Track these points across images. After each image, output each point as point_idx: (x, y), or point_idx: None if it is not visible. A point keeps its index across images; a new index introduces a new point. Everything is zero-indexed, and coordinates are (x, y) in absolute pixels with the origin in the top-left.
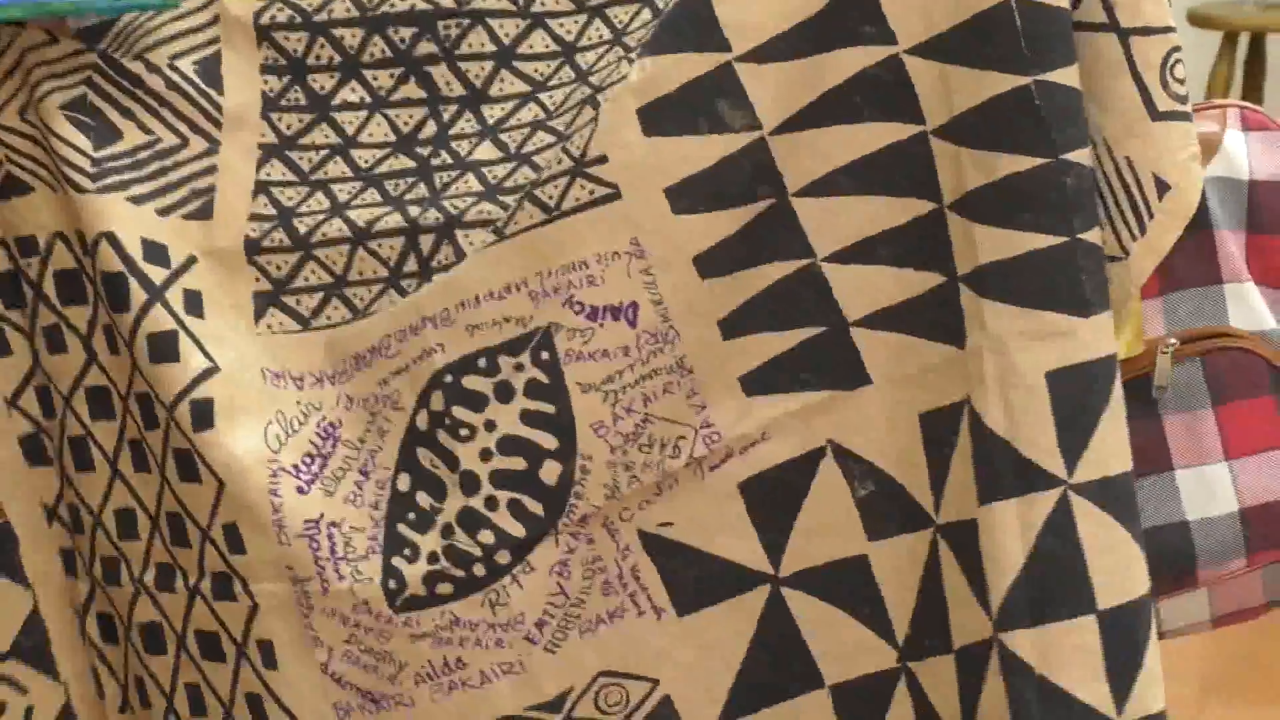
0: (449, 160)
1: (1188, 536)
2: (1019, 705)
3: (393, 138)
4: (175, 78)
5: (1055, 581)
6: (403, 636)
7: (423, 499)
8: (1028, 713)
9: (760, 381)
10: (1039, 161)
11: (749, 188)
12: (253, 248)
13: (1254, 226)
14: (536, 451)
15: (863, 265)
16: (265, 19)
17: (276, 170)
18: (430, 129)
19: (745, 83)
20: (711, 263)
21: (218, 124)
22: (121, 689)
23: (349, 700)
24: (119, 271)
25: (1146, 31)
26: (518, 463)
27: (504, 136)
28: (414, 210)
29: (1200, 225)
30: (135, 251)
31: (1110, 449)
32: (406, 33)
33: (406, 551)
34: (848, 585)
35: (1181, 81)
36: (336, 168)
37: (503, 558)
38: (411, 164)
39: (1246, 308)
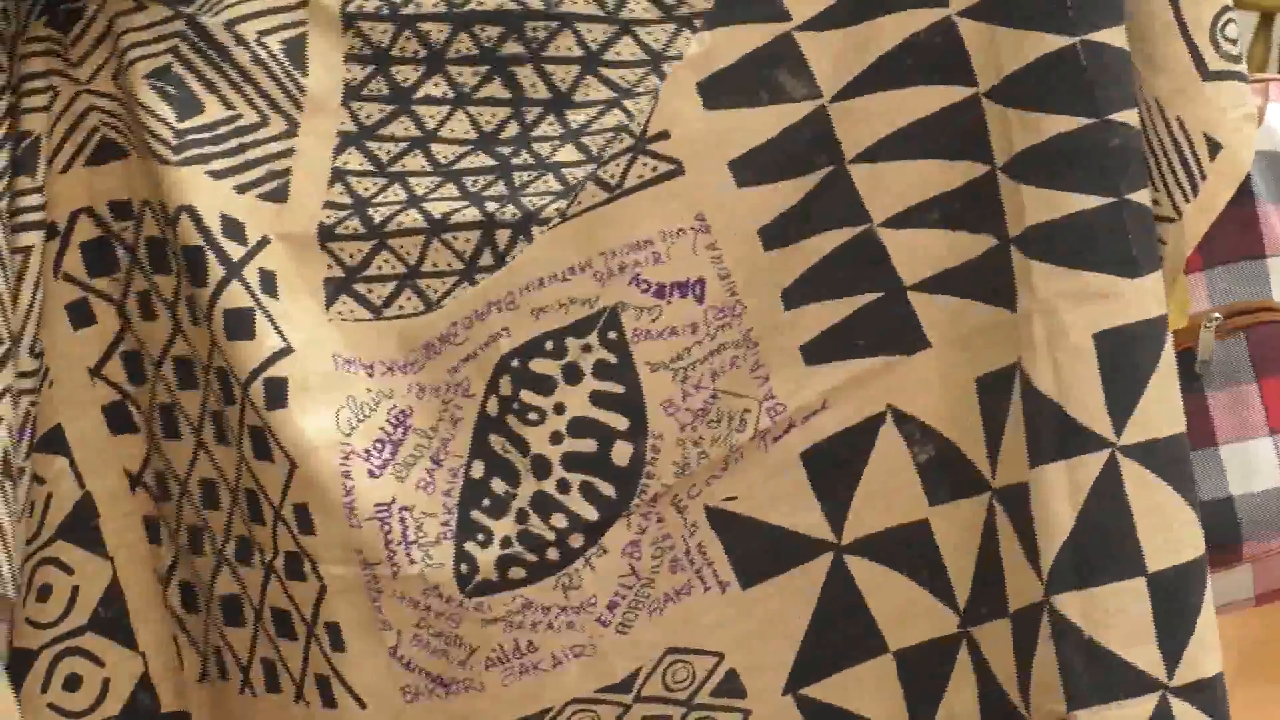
0: (529, 160)
1: (1232, 512)
2: (1067, 668)
3: (474, 135)
4: (261, 54)
5: (1103, 544)
6: (473, 621)
7: (497, 485)
8: (1076, 675)
9: (820, 350)
10: (1084, 122)
11: (809, 157)
12: (326, 234)
13: None
14: (607, 433)
15: (918, 229)
16: (352, 7)
17: (354, 159)
18: (513, 129)
19: (805, 51)
20: (775, 234)
21: (299, 105)
22: (201, 659)
23: (417, 684)
24: (198, 245)
25: None
26: (588, 445)
27: (586, 140)
28: (491, 206)
29: (1243, 198)
30: (214, 226)
31: (1159, 411)
32: (494, 31)
33: (480, 536)
34: (910, 550)
35: (1234, 41)
36: (415, 161)
37: (575, 540)
38: (492, 162)
39: None
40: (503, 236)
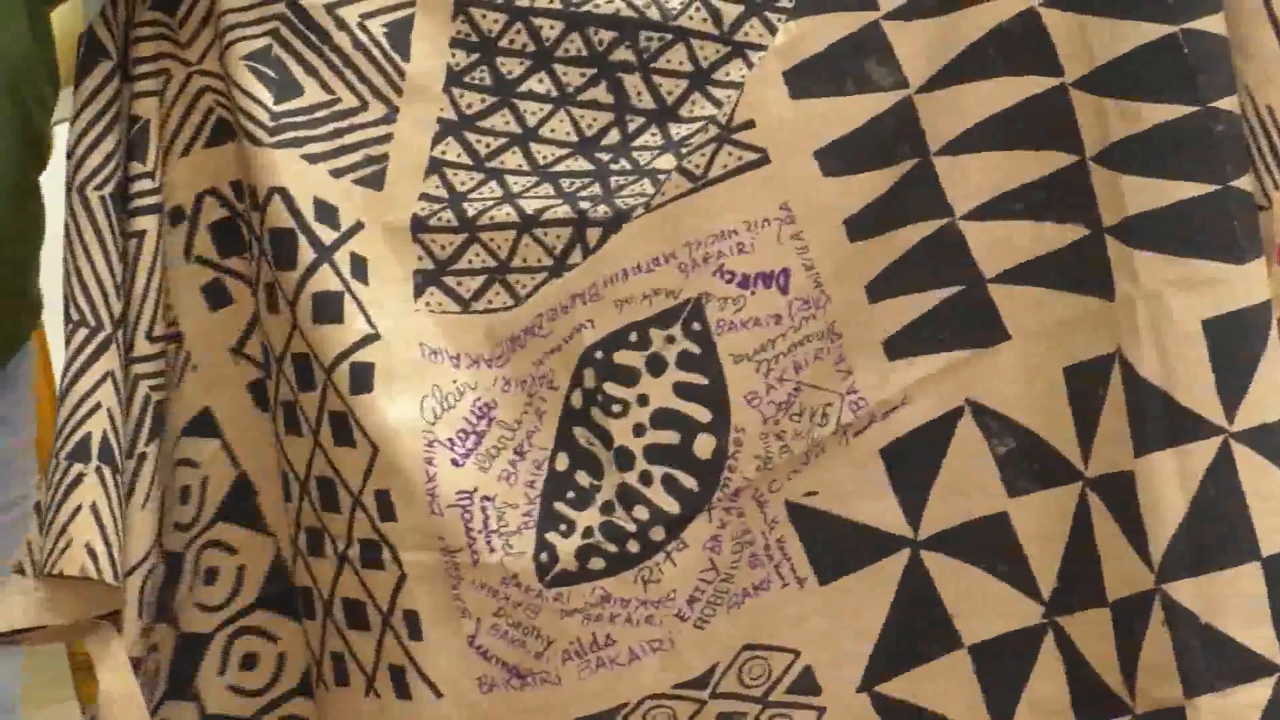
0: (627, 167)
1: None
2: (1184, 653)
3: (574, 138)
4: (363, 38)
5: (1218, 529)
6: (552, 612)
7: (582, 477)
8: (1193, 660)
9: (902, 344)
10: (1188, 110)
11: (895, 147)
12: (419, 225)
13: None
14: (690, 425)
15: (1000, 221)
16: None
17: (452, 150)
18: (613, 137)
19: (893, 40)
20: (861, 225)
21: (399, 90)
22: None
23: (493, 675)
24: (289, 228)
25: None
26: (671, 437)
27: (685, 151)
28: (585, 204)
29: None
30: (307, 209)
31: (1270, 396)
32: (606, 35)
33: (562, 527)
34: (986, 543)
35: None
36: (514, 159)
37: (657, 534)
38: (589, 167)
39: None
40: (594, 235)
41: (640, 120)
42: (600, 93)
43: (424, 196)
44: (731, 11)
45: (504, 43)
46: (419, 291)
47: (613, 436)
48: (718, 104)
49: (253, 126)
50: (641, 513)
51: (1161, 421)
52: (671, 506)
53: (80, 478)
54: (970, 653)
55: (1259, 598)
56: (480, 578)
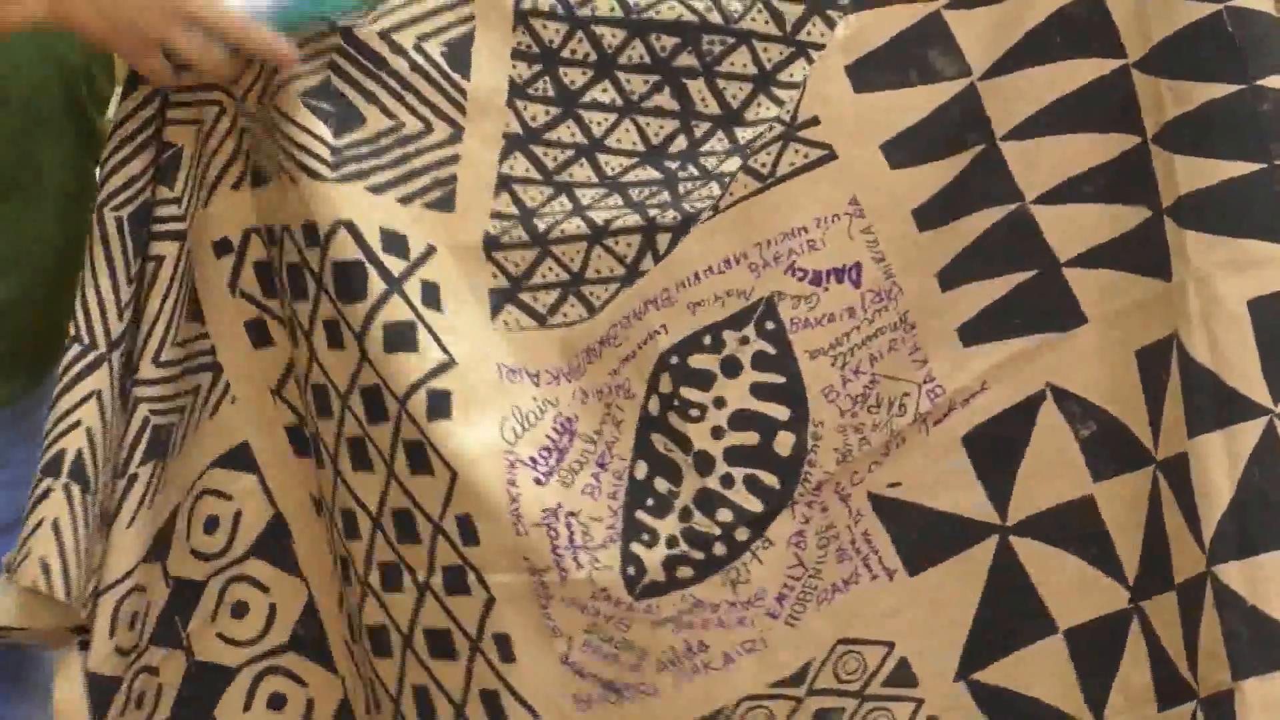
0: (695, 173)
1: None
2: (1232, 637)
3: (641, 148)
4: (420, 60)
5: (1264, 512)
6: (644, 623)
7: (660, 484)
8: (1239, 644)
9: (977, 330)
10: (1233, 88)
11: (960, 136)
12: (492, 244)
13: None
14: (769, 424)
15: (1071, 205)
16: (526, 3)
17: (520, 165)
18: (680, 143)
19: (954, 29)
20: (929, 214)
21: (462, 109)
22: (365, 687)
23: (590, 691)
24: (356, 260)
25: None
26: (750, 437)
27: (751, 151)
28: (653, 211)
29: None
30: (374, 241)
31: None
32: (669, 41)
33: (645, 537)
34: (1075, 528)
35: None
36: (582, 171)
37: (742, 534)
38: (658, 175)
39: None
40: (663, 240)
41: (706, 125)
42: (665, 99)
43: (495, 215)
44: (794, 11)
45: (565, 53)
46: (496, 310)
47: (691, 441)
48: (782, 105)
49: (314, 163)
50: (725, 515)
51: (1210, 403)
52: (754, 505)
53: (48, 493)
54: (1065, 637)
55: None
56: (569, 594)
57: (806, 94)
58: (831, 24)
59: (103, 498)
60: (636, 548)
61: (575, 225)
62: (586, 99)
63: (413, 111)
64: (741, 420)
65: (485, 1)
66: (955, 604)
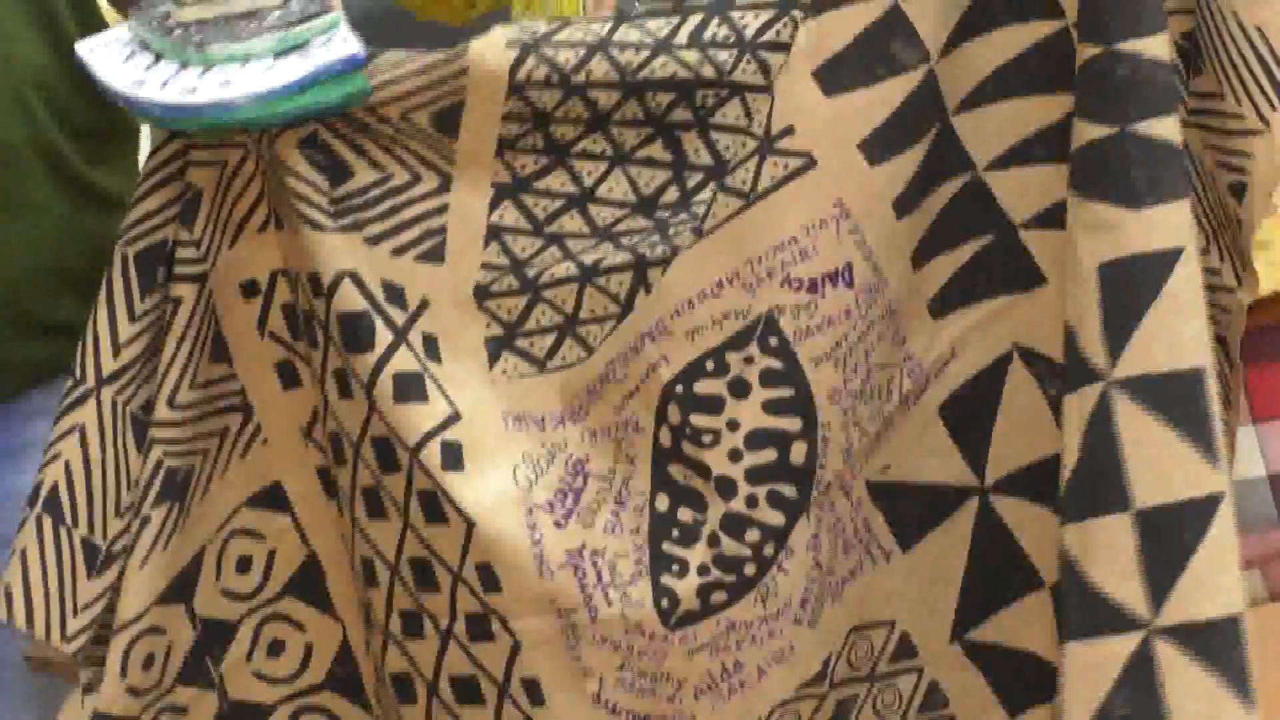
0: (687, 218)
1: None
2: (1064, 600)
3: (633, 198)
4: (406, 126)
5: (1094, 477)
6: (679, 653)
7: (684, 514)
8: (1070, 608)
9: (944, 301)
10: (1095, 50)
11: (924, 119)
12: (483, 293)
13: None
14: (784, 438)
15: (1022, 168)
16: (521, 75)
17: (509, 214)
18: (672, 194)
19: (912, 18)
20: (905, 202)
21: (450, 161)
22: None
23: None
24: (362, 310)
25: None
26: (768, 455)
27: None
28: (643, 250)
29: None
30: (377, 291)
31: (1158, 346)
32: (664, 98)
33: (675, 568)
34: (1051, 483)
35: None
36: (573, 223)
37: (769, 550)
38: (649, 224)
39: None
40: (655, 274)
41: (699, 176)
42: (656, 150)
43: (485, 265)
44: (778, 60)
45: (559, 114)
46: (494, 359)
47: (710, 467)
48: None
49: (314, 212)
50: (753, 535)
51: (1070, 366)
52: (778, 520)
53: (24, 522)
54: (1052, 592)
55: (1125, 549)
56: (601, 633)
57: (778, 104)
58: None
59: (108, 537)
60: (667, 579)
61: (565, 269)
62: (577, 149)
63: (400, 162)
64: (758, 439)
65: (479, 75)
66: (945, 570)
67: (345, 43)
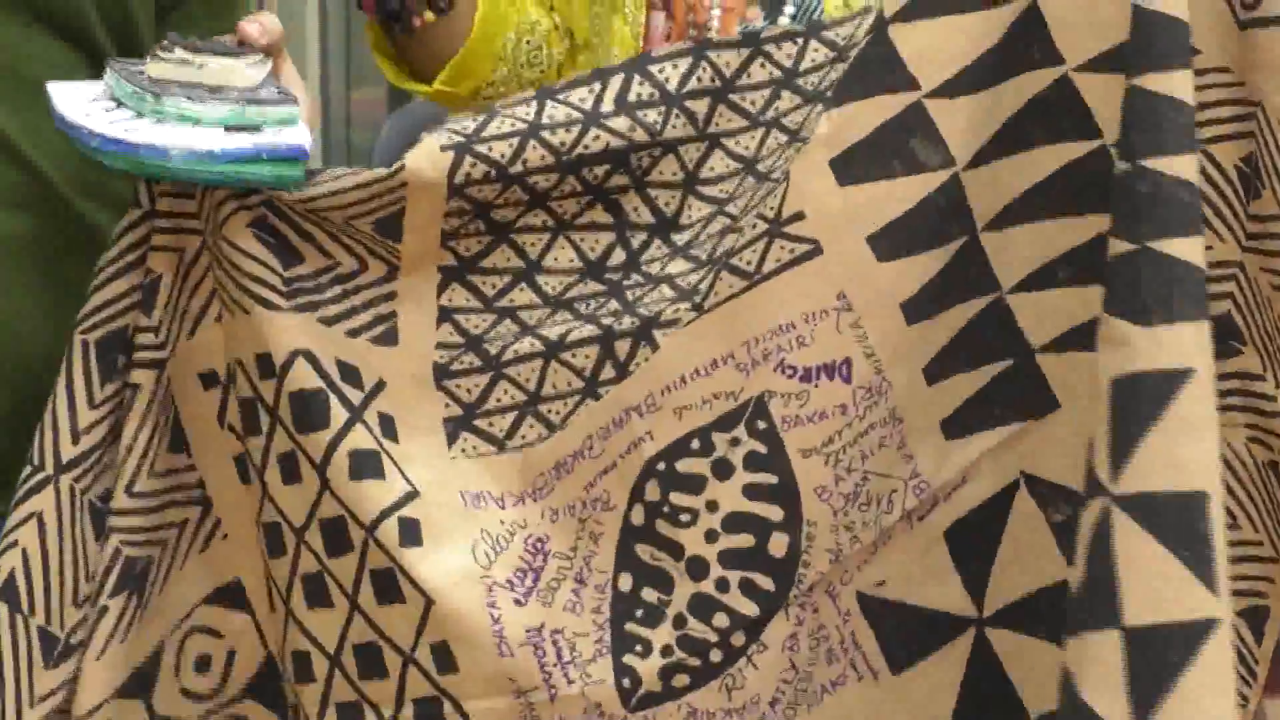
0: (640, 279)
1: None
2: (1059, 713)
3: (580, 264)
4: (348, 226)
5: (1093, 592)
6: None
7: (649, 594)
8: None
9: (959, 424)
10: (1124, 167)
11: (945, 227)
12: (442, 373)
13: None
14: (763, 525)
15: (1044, 291)
16: (460, 177)
17: (459, 295)
18: (619, 256)
19: (937, 119)
20: (917, 307)
21: (395, 254)
22: None
23: None
24: (318, 389)
25: None
26: (745, 539)
27: (695, 251)
28: (608, 320)
29: None
30: (332, 369)
31: (1158, 465)
32: (600, 170)
33: (638, 648)
34: (1049, 614)
35: None
36: (523, 295)
37: (738, 639)
38: (601, 287)
39: None
40: (622, 347)
41: (643, 235)
42: (598, 213)
43: (441, 345)
44: (701, 107)
45: (499, 202)
46: (451, 439)
47: (684, 547)
48: (712, 201)
49: (267, 292)
50: (721, 620)
51: (1085, 480)
52: (750, 609)
53: None
54: None
55: (1114, 666)
56: (560, 712)
57: (790, 190)
58: (736, 108)
59: (66, 627)
60: (630, 659)
61: (528, 344)
62: (519, 224)
63: (348, 250)
64: (735, 522)
65: (418, 185)
66: (935, 701)
67: (296, 133)
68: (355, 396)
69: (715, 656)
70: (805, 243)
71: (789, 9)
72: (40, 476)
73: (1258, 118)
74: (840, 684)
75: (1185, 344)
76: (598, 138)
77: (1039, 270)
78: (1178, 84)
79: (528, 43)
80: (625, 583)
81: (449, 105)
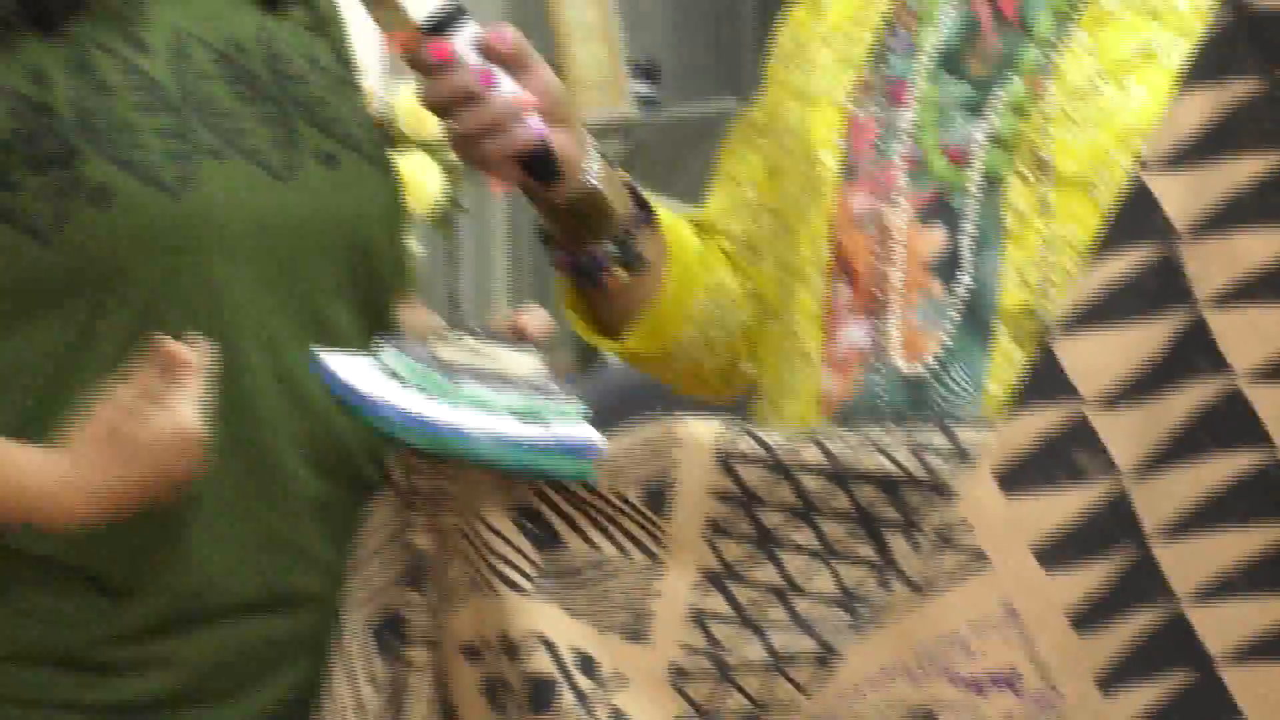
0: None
1: None
2: None
3: (838, 594)
4: (617, 500)
5: None
6: None
7: None
8: None
9: None
10: None
11: (1112, 537)
12: (679, 674)
13: None
14: None
15: (1226, 602)
16: (726, 444)
17: (715, 601)
18: (871, 589)
19: (1098, 428)
20: (1084, 618)
21: (660, 543)
22: None
23: None
24: (551, 677)
25: None
26: None
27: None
28: (828, 637)
29: None
30: (569, 658)
31: None
32: (871, 493)
33: None
34: None
35: None
36: (777, 612)
37: None
38: (848, 618)
39: None
40: (834, 662)
41: (901, 581)
42: (865, 549)
43: (684, 646)
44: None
45: (767, 496)
46: None
47: None
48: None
49: (514, 574)
50: None
51: None
52: None
53: None
54: None
55: None
56: None
57: (959, 500)
58: None
59: None
60: None
61: (755, 650)
62: (786, 541)
63: (612, 540)
64: None
65: (688, 447)
66: None
67: (584, 429)
68: (588, 686)
69: None
70: (973, 554)
71: (965, 279)
72: None
73: None
74: None
75: None
76: (874, 458)
77: (1218, 581)
78: None
79: (717, 304)
80: None
81: (638, 366)
